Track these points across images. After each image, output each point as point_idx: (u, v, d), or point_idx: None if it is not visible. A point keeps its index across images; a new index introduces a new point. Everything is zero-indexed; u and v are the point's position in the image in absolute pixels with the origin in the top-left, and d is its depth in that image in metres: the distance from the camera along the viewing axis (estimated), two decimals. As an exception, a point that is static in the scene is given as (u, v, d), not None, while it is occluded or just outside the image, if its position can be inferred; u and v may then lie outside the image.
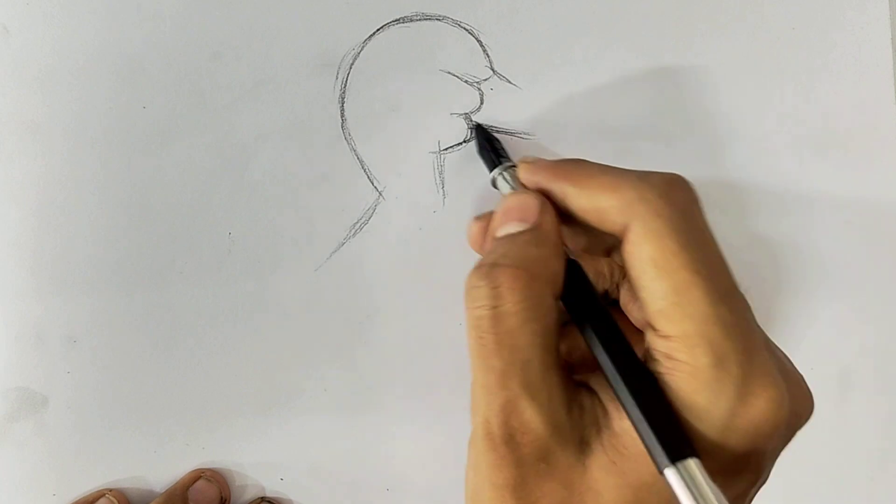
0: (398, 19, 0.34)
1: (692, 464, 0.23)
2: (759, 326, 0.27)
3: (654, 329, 0.25)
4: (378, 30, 0.34)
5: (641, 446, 0.25)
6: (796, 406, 0.26)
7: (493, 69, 0.34)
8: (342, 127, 0.34)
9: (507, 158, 0.32)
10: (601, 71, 0.35)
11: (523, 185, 0.30)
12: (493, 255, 0.27)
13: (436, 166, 0.34)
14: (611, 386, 0.26)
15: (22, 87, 0.33)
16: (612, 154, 0.34)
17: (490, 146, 0.32)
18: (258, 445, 0.34)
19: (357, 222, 0.34)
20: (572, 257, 0.28)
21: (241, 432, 0.34)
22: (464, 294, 0.27)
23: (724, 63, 0.35)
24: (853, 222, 0.36)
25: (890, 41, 0.35)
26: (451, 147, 0.34)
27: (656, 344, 0.25)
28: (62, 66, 0.33)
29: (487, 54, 0.34)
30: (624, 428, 0.25)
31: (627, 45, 0.35)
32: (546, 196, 0.29)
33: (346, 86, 0.34)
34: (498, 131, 0.34)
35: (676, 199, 0.26)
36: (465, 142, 0.34)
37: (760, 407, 0.24)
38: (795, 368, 0.28)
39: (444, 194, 0.34)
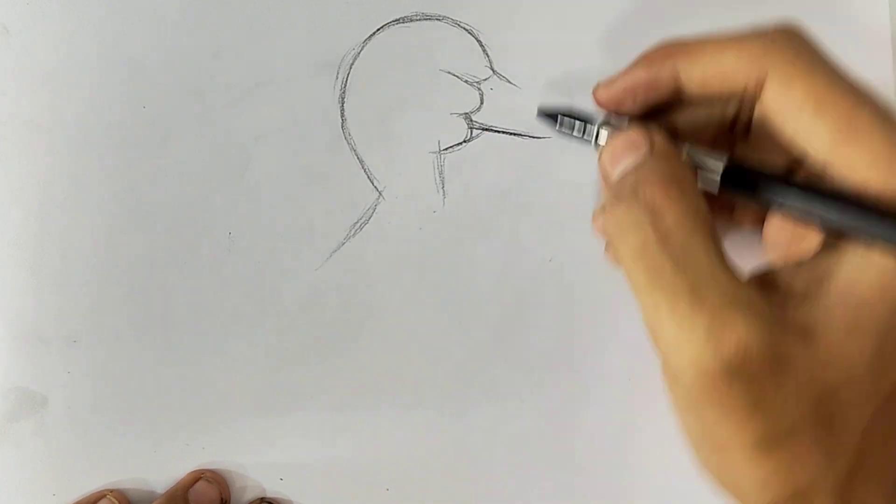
0: (398, 19, 0.34)
1: None
2: None
3: (833, 166, 0.24)
4: (378, 30, 0.34)
5: (872, 290, 0.23)
6: None
7: (493, 69, 0.34)
8: (342, 127, 0.34)
9: (588, 117, 0.30)
10: (601, 71, 0.35)
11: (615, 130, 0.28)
12: (623, 186, 0.25)
13: (436, 166, 0.34)
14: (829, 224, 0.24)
15: (22, 88, 0.33)
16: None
17: (572, 115, 0.31)
18: (258, 445, 0.34)
19: (357, 222, 0.34)
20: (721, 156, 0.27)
21: (241, 432, 0.34)
22: (611, 235, 0.25)
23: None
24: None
25: (890, 41, 0.35)
26: (451, 147, 0.34)
27: (847, 178, 0.24)
28: (62, 67, 0.33)
29: (487, 54, 0.34)
30: (847, 281, 0.24)
31: (627, 45, 0.35)
32: (645, 92, 0.28)
33: (346, 86, 0.34)
34: (498, 131, 0.34)
35: (805, 39, 0.25)
36: (465, 142, 0.34)
37: None
38: None
39: (444, 194, 0.34)
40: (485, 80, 0.34)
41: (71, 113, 0.33)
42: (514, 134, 0.34)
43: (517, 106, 0.34)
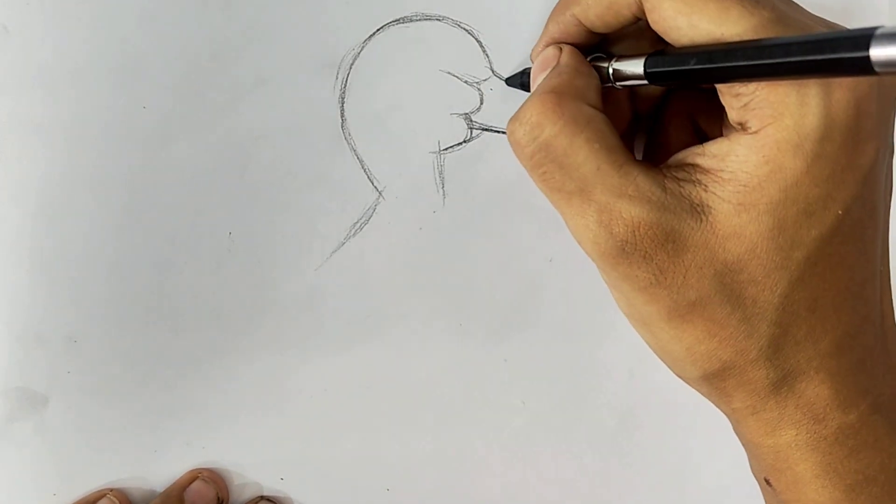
0: (398, 19, 0.34)
1: (883, 31, 0.21)
2: (809, 13, 0.27)
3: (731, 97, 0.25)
4: (378, 30, 0.34)
5: (760, 170, 0.25)
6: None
7: (493, 69, 0.34)
8: (342, 127, 0.34)
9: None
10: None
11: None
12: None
13: (436, 166, 0.34)
14: (739, 77, 0.25)
15: (22, 87, 0.33)
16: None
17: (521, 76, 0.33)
18: (258, 445, 0.34)
19: (357, 222, 0.34)
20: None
21: (241, 432, 0.34)
22: (513, 149, 0.28)
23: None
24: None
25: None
26: (451, 147, 0.34)
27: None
28: (62, 66, 0.33)
29: (487, 54, 0.34)
30: (737, 162, 0.25)
31: (627, 46, 0.35)
32: (566, 38, 0.29)
33: (346, 86, 0.34)
34: (498, 131, 0.34)
35: None
36: (465, 142, 0.34)
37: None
38: None
39: (444, 194, 0.34)
40: (485, 80, 0.34)
41: (70, 113, 0.33)
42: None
43: (517, 106, 0.34)
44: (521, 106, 0.27)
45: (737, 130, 0.26)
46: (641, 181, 0.26)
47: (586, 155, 0.26)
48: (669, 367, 0.29)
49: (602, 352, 0.35)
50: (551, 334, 0.34)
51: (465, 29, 0.34)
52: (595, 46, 0.30)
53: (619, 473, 0.35)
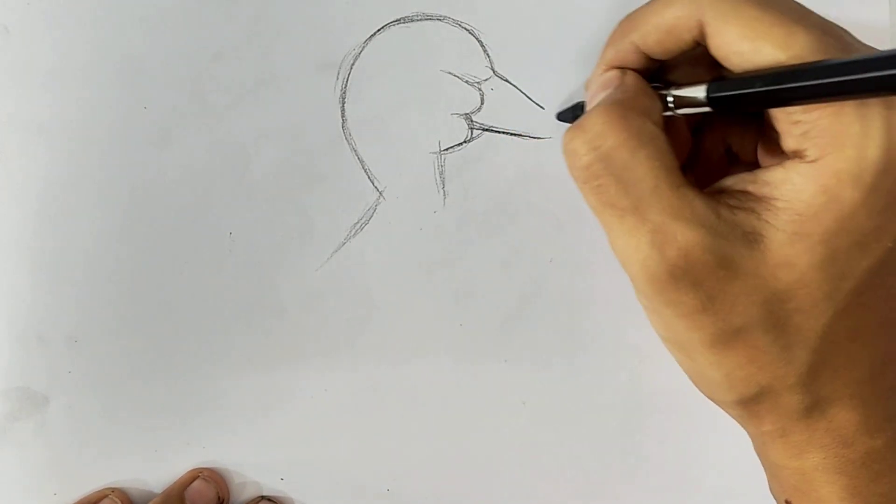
0: (399, 19, 0.34)
1: None
2: (868, 46, 0.27)
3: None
4: (379, 30, 0.34)
5: (817, 199, 0.24)
6: None
7: (493, 69, 0.34)
8: (342, 127, 0.34)
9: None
10: (601, 71, 0.35)
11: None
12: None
13: (436, 166, 0.34)
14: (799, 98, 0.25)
15: (22, 88, 0.33)
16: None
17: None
18: (258, 445, 0.34)
19: (357, 222, 0.34)
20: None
21: (241, 432, 0.34)
22: (565, 159, 0.27)
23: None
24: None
25: (890, 41, 0.35)
26: (451, 147, 0.34)
27: (787, 109, 0.25)
28: (62, 67, 0.33)
29: (487, 54, 0.34)
30: (793, 191, 0.25)
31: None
32: (628, 64, 0.29)
33: (346, 86, 0.34)
34: (498, 131, 0.34)
35: None
36: (465, 142, 0.34)
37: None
38: None
39: (444, 194, 0.34)
40: (485, 80, 0.34)
41: (71, 113, 0.33)
42: (514, 134, 0.34)
43: (517, 106, 0.34)
44: (583, 116, 0.27)
45: (791, 158, 0.26)
46: (697, 205, 0.26)
47: (646, 171, 0.25)
48: (702, 389, 0.29)
49: (602, 352, 0.35)
50: (551, 334, 0.34)
51: (465, 29, 0.34)
52: (651, 75, 0.29)
53: (619, 474, 0.35)
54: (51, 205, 0.33)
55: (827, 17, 0.27)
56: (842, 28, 0.27)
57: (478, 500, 0.35)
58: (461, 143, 0.34)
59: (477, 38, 0.34)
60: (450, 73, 0.34)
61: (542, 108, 0.34)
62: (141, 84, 0.33)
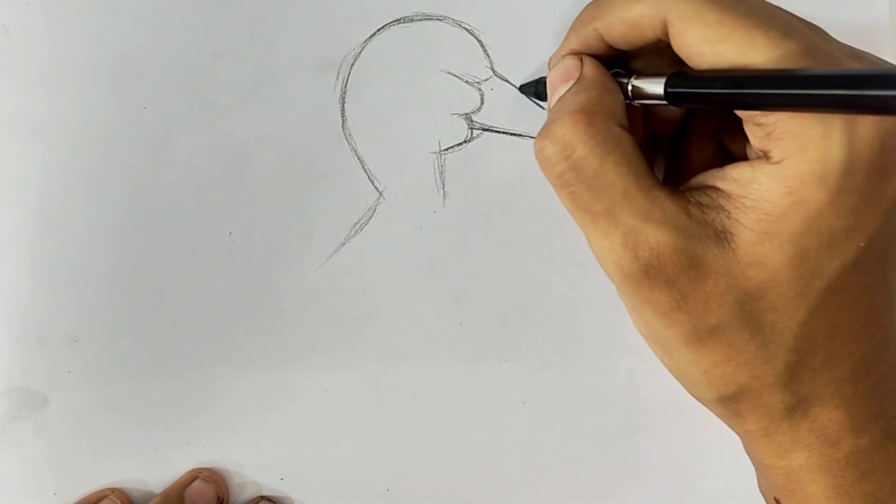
0: (399, 19, 0.34)
1: None
2: (838, 42, 0.27)
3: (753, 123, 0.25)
4: (378, 30, 0.34)
5: (783, 200, 0.25)
6: None
7: (493, 69, 0.34)
8: (342, 127, 0.34)
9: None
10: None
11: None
12: (549, 117, 0.28)
13: (436, 166, 0.34)
14: (770, 105, 0.25)
15: (22, 88, 0.33)
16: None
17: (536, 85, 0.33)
18: (258, 445, 0.34)
19: (357, 222, 0.34)
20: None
21: (241, 432, 0.34)
22: (539, 165, 0.28)
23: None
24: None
25: (890, 41, 0.35)
26: (451, 147, 0.34)
27: (751, 111, 0.25)
28: (62, 67, 0.33)
29: (487, 54, 0.34)
30: (761, 190, 0.25)
31: (628, 46, 0.35)
32: (589, 50, 0.29)
33: (346, 86, 0.34)
34: (498, 131, 0.34)
35: None
36: (465, 142, 0.34)
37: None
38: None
39: (444, 194, 0.34)
40: (485, 80, 0.34)
41: (71, 113, 0.33)
42: (515, 134, 0.34)
43: (517, 106, 0.34)
44: (550, 123, 0.27)
45: (759, 157, 0.26)
46: (668, 206, 0.26)
47: (615, 177, 0.26)
48: (685, 387, 0.29)
49: (602, 352, 0.35)
50: (551, 334, 0.34)
51: (466, 29, 0.34)
52: (613, 60, 0.30)
53: (619, 474, 0.35)
54: (51, 205, 0.33)
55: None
56: (811, 27, 0.27)
57: (478, 500, 0.35)
58: (461, 143, 0.34)
59: (477, 38, 0.34)
60: (450, 73, 0.34)
61: (543, 108, 0.34)
62: (141, 84, 0.33)
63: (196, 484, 0.33)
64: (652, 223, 0.26)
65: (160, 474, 0.34)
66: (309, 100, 0.34)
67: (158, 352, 0.34)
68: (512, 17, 0.34)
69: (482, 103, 0.34)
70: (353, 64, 0.34)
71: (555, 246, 0.34)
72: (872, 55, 0.28)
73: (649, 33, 0.27)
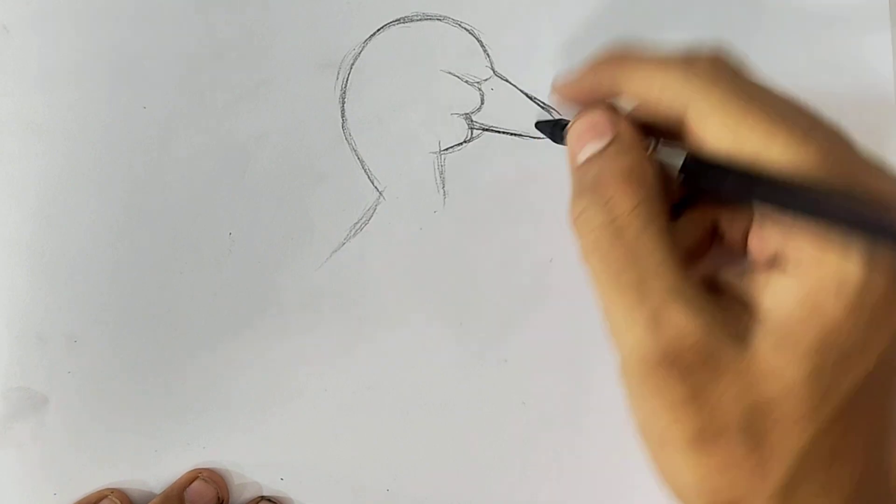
0: (399, 19, 0.34)
1: None
2: (860, 147, 0.26)
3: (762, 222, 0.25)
4: (379, 30, 0.34)
5: (800, 310, 0.24)
6: None
7: (493, 69, 0.34)
8: (342, 127, 0.34)
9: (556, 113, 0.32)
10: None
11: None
12: (585, 177, 0.27)
13: (436, 166, 0.34)
14: (785, 211, 0.24)
15: (22, 88, 0.33)
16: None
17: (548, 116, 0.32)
18: (258, 445, 0.34)
19: (357, 222, 0.34)
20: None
21: (241, 432, 0.34)
22: (572, 225, 0.26)
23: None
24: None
25: (890, 41, 0.35)
26: (451, 147, 0.34)
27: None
28: (62, 66, 0.33)
29: (487, 54, 0.34)
30: (779, 297, 0.24)
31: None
32: (595, 95, 0.28)
33: (346, 86, 0.34)
34: (498, 131, 0.34)
35: (724, 66, 0.26)
36: (465, 142, 0.34)
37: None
38: None
39: (444, 194, 0.34)
40: (485, 80, 0.34)
41: (71, 113, 0.33)
42: (514, 134, 0.34)
43: (517, 106, 0.34)
44: (594, 183, 0.26)
45: (774, 262, 0.25)
46: (701, 288, 0.25)
47: (654, 247, 0.25)
48: (672, 491, 0.27)
49: (603, 352, 0.34)
50: (551, 334, 0.34)
51: (465, 29, 0.34)
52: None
53: (619, 475, 0.35)
54: (51, 205, 0.33)
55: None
56: (834, 129, 0.26)
57: (478, 501, 0.35)
58: (461, 143, 0.34)
59: (477, 38, 0.34)
60: (450, 73, 0.34)
61: (543, 107, 0.34)
62: (141, 84, 0.33)
63: (196, 484, 0.33)
64: (681, 303, 0.24)
65: (160, 474, 0.34)
66: (309, 100, 0.34)
67: (158, 352, 0.34)
68: (512, 17, 0.34)
69: (482, 103, 0.34)
70: (353, 64, 0.34)
71: (555, 246, 0.34)
72: (892, 166, 0.27)
73: (669, 112, 0.26)
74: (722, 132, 0.25)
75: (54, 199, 0.33)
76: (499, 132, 0.34)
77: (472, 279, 0.34)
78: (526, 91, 0.34)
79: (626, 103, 0.28)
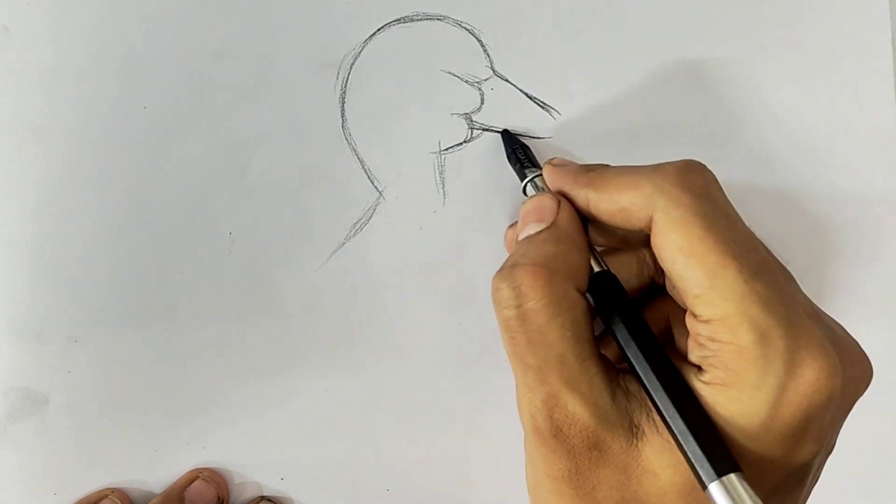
0: (399, 19, 0.34)
1: (734, 479, 0.23)
2: (803, 295, 0.28)
3: (694, 315, 0.25)
4: (379, 30, 0.34)
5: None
6: (852, 372, 0.26)
7: (493, 69, 0.34)
8: (342, 127, 0.34)
9: (536, 165, 0.32)
10: (601, 71, 0.35)
11: (549, 189, 0.30)
12: (514, 256, 0.28)
13: (436, 166, 0.34)
14: (648, 395, 0.26)
15: (22, 88, 0.33)
16: (611, 155, 0.34)
17: (517, 154, 0.33)
18: (258, 445, 0.34)
19: (357, 222, 0.34)
20: (602, 264, 0.29)
21: (241, 432, 0.34)
22: (493, 300, 0.28)
23: (723, 64, 0.35)
24: (854, 222, 0.36)
25: (890, 41, 0.35)
26: (451, 147, 0.34)
27: (699, 329, 0.25)
28: (62, 67, 0.33)
29: (487, 54, 0.34)
30: None
31: (627, 46, 0.35)
32: (572, 202, 0.29)
33: (346, 86, 0.34)
34: (499, 131, 0.34)
35: (693, 183, 0.26)
36: (465, 142, 0.34)
37: (810, 377, 0.24)
38: (848, 334, 0.28)
39: (444, 194, 0.34)
40: (485, 80, 0.34)
41: (71, 113, 0.33)
42: (515, 134, 0.34)
43: (517, 106, 0.34)
44: (512, 266, 0.27)
45: (692, 363, 0.26)
46: (596, 382, 0.26)
47: (556, 339, 0.26)
48: None
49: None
50: (551, 334, 0.34)
51: (466, 28, 0.34)
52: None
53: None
54: (51, 204, 0.33)
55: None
56: (783, 272, 0.27)
57: (477, 501, 0.35)
58: (461, 143, 0.34)
59: (477, 38, 0.34)
60: (450, 73, 0.34)
61: (543, 107, 0.34)
62: (141, 84, 0.33)
63: (196, 484, 0.33)
64: (575, 394, 0.26)
65: (160, 474, 0.34)
66: (309, 100, 0.34)
67: (158, 352, 0.34)
68: (512, 17, 0.34)
69: (482, 103, 0.34)
70: (353, 64, 0.34)
71: (555, 246, 0.34)
72: (830, 317, 0.28)
73: (634, 223, 0.27)
74: (677, 252, 0.26)
75: (54, 199, 0.33)
76: (499, 132, 0.34)
77: (472, 279, 0.34)
78: (526, 91, 0.34)
79: (598, 215, 0.29)
